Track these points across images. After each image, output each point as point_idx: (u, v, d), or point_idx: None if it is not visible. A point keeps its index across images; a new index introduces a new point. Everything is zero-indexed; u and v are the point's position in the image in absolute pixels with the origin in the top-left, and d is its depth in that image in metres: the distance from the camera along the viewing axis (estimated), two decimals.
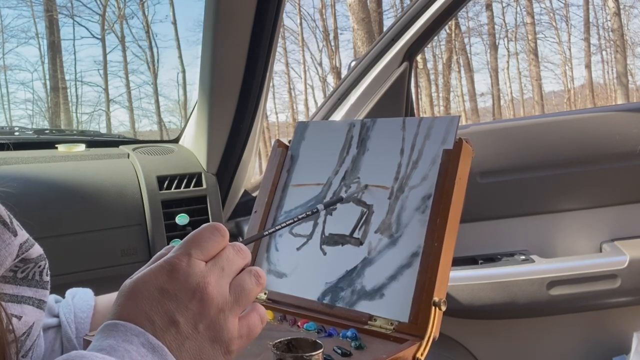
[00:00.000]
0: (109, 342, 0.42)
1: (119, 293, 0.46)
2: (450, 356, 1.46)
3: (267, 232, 0.62)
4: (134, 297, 0.44)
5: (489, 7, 13.36)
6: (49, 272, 0.54)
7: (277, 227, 0.63)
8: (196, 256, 0.46)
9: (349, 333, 0.62)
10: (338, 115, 1.60)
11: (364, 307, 0.66)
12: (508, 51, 13.89)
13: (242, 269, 0.49)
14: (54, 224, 1.19)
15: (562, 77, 13.81)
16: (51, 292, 0.60)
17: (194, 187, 1.36)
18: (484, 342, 1.50)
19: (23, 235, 0.51)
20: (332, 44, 13.33)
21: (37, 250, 0.52)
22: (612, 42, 12.87)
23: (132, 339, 0.42)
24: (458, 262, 1.46)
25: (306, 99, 13.73)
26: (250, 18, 1.15)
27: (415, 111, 1.67)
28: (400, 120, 0.74)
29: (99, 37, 11.10)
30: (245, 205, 1.54)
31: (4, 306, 0.44)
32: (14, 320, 0.47)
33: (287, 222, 0.64)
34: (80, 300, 0.70)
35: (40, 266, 0.53)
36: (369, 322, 0.64)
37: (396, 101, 1.57)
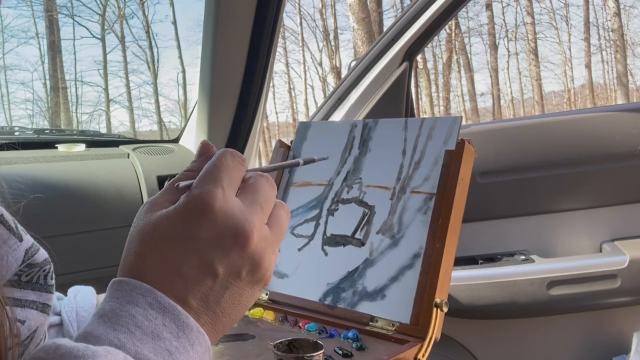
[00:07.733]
0: (111, 304, 0.37)
1: (130, 244, 0.39)
2: (450, 356, 1.46)
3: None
4: (159, 248, 0.37)
5: (489, 7, 13.36)
6: (53, 276, 0.53)
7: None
8: (229, 191, 0.38)
9: (350, 334, 0.62)
10: (338, 115, 1.60)
11: (365, 308, 0.66)
12: (508, 51, 13.89)
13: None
14: (54, 224, 1.19)
15: (562, 77, 13.81)
16: None
17: None
18: (484, 342, 1.50)
19: (28, 240, 0.50)
20: (332, 44, 13.32)
21: (42, 254, 0.51)
22: (612, 42, 12.87)
23: (138, 300, 0.36)
24: (458, 262, 1.46)
25: (306, 99, 13.73)
26: (250, 18, 1.15)
27: (415, 111, 1.67)
28: (403, 120, 0.74)
29: (99, 37, 11.08)
30: None
31: (8, 310, 0.43)
32: (17, 324, 0.47)
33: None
34: (83, 299, 0.70)
35: (45, 270, 0.52)
36: (370, 323, 0.64)
37: (396, 101, 1.57)
